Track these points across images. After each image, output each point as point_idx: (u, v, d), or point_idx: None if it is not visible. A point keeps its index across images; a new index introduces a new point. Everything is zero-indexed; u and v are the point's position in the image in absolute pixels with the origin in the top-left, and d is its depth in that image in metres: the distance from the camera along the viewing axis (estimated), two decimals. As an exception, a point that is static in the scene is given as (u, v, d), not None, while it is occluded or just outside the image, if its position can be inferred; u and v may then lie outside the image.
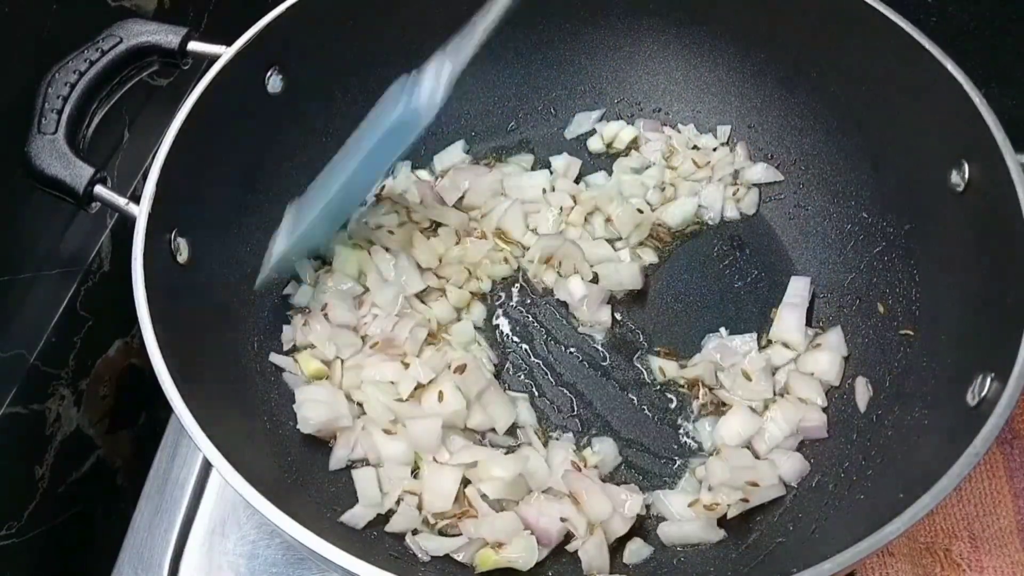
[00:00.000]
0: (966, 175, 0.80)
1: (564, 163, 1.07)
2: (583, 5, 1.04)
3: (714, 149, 1.06)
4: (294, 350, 0.92)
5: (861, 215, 0.96)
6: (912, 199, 0.89)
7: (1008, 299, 0.72)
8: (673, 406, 0.91)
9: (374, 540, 0.81)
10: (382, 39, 0.99)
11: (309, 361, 0.90)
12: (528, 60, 1.08)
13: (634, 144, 1.08)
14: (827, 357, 0.90)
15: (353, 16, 0.95)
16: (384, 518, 0.83)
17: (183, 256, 0.81)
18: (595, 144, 1.09)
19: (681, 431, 0.89)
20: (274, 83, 0.91)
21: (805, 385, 0.89)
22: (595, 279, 0.97)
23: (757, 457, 0.86)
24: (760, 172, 1.04)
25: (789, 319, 0.93)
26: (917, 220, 0.89)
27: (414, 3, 0.99)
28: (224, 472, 0.65)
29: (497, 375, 0.93)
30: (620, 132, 1.08)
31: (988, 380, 0.69)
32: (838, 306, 0.95)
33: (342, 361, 0.91)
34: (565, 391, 0.92)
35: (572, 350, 0.95)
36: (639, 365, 0.93)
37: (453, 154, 1.08)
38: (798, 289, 0.95)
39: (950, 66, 0.80)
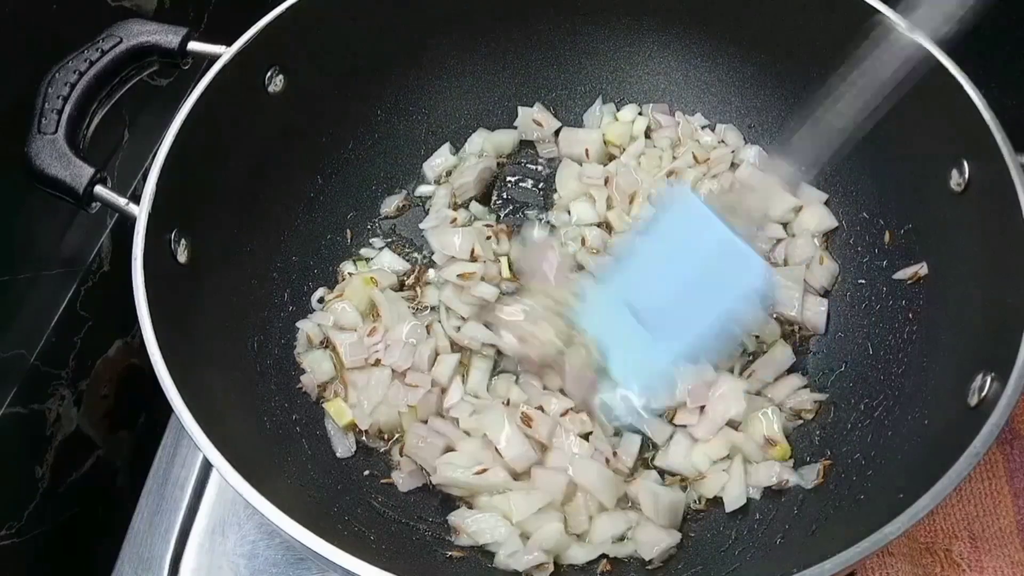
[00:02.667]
0: (966, 175, 0.80)
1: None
2: (583, 5, 1.04)
3: (714, 147, 1.06)
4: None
5: (861, 215, 0.96)
6: (912, 199, 0.89)
7: (1008, 299, 0.72)
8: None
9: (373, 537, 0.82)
10: (382, 38, 0.99)
11: (343, 412, 0.90)
12: (528, 60, 1.08)
13: (647, 132, 1.08)
14: (813, 210, 0.98)
15: (353, 15, 0.95)
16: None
17: (183, 256, 0.81)
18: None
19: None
20: (274, 83, 0.91)
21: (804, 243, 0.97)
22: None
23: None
24: (754, 154, 1.04)
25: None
26: (917, 220, 0.89)
27: (414, 2, 0.99)
28: (224, 472, 0.65)
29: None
30: (635, 121, 1.08)
31: (988, 380, 0.69)
32: (838, 305, 0.95)
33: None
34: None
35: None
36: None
37: (442, 157, 1.08)
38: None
39: (950, 66, 0.80)
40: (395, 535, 0.83)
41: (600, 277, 0.93)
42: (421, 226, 1.04)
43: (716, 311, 0.84)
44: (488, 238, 1.00)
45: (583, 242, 1.00)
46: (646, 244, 0.89)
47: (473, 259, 0.98)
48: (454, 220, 1.02)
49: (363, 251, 1.02)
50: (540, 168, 1.09)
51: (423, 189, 1.07)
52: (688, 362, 0.86)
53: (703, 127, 1.07)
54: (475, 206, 1.05)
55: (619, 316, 0.87)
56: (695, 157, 1.04)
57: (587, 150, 1.05)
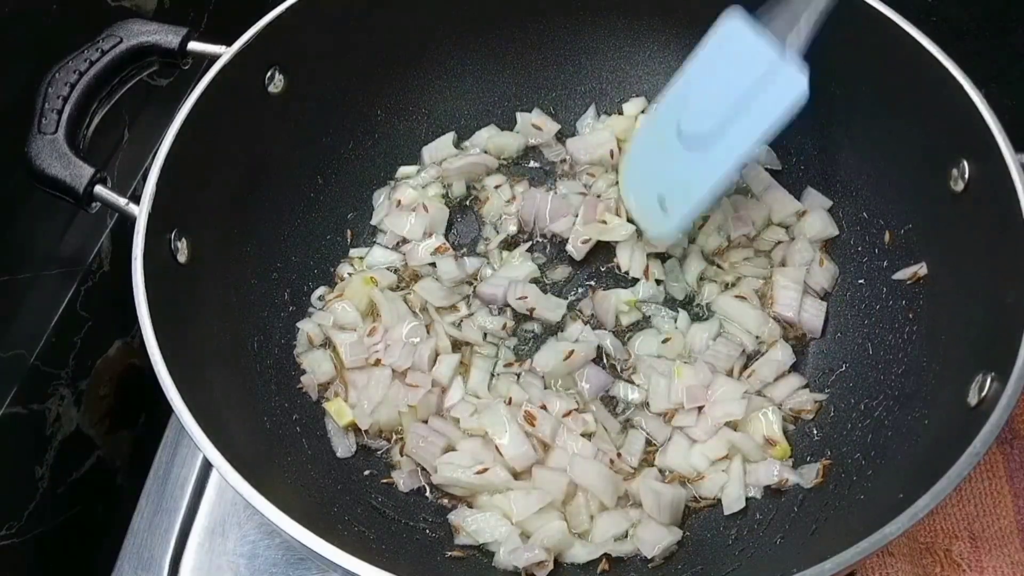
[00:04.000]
0: (966, 175, 0.80)
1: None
2: (583, 5, 1.04)
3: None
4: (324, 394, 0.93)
5: (861, 215, 0.96)
6: (912, 199, 0.89)
7: (1008, 299, 0.72)
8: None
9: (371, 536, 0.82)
10: (382, 38, 0.99)
11: (343, 412, 0.90)
12: (528, 60, 1.08)
13: None
14: (816, 217, 0.97)
15: (353, 16, 0.95)
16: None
17: (183, 256, 0.81)
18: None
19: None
20: (274, 83, 0.91)
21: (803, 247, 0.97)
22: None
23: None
24: (763, 154, 1.03)
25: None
26: (917, 220, 0.89)
27: (414, 2, 0.99)
28: (224, 472, 0.65)
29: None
30: (637, 118, 1.07)
31: (988, 380, 0.69)
32: (837, 305, 0.95)
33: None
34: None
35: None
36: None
37: (442, 145, 1.07)
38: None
39: (950, 66, 0.80)
40: (395, 535, 0.83)
41: (655, 106, 0.95)
42: (372, 222, 1.04)
43: (757, 130, 0.85)
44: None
45: None
46: (695, 69, 0.90)
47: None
48: (399, 203, 1.02)
49: (352, 252, 1.02)
50: (545, 166, 1.09)
51: (403, 170, 1.06)
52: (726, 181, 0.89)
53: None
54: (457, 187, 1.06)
55: (668, 140, 0.91)
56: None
57: (612, 151, 1.05)
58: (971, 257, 0.80)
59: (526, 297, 0.94)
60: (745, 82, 0.84)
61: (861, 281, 0.94)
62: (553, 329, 0.96)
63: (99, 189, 0.78)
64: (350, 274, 0.99)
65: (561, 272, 1.00)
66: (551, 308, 0.95)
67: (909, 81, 0.85)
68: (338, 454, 0.88)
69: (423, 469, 0.87)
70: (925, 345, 0.84)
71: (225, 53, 0.84)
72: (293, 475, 0.83)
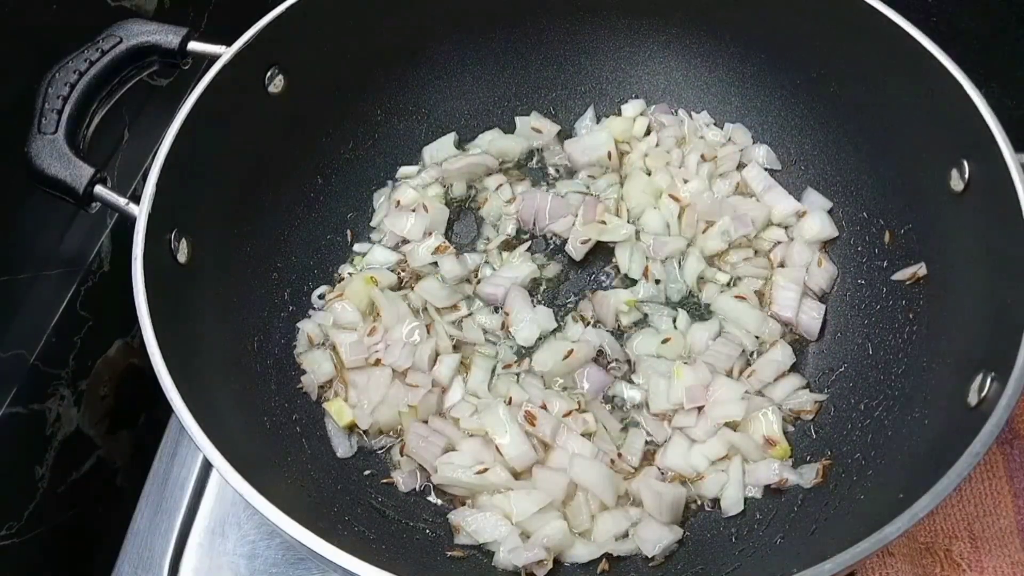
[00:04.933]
0: (966, 175, 0.80)
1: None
2: (583, 5, 1.04)
3: (721, 144, 1.05)
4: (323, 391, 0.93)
5: (861, 215, 0.96)
6: (912, 199, 0.89)
7: (1008, 299, 0.72)
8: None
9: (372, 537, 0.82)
10: (382, 38, 0.99)
11: (343, 412, 0.90)
12: (528, 60, 1.08)
13: (647, 132, 1.07)
14: (815, 217, 0.97)
15: (353, 16, 0.95)
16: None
17: (183, 256, 0.81)
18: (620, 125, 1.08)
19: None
20: (274, 83, 0.91)
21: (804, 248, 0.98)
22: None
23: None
24: (763, 154, 1.03)
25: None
26: (917, 220, 0.89)
27: (414, 2, 0.99)
28: (224, 472, 0.65)
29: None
30: (636, 121, 1.08)
31: (988, 380, 0.69)
32: (837, 305, 0.95)
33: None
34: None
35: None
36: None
37: (444, 146, 1.07)
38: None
39: (950, 66, 0.80)
40: (395, 535, 0.83)
41: None
42: (372, 222, 1.04)
43: None
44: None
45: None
46: None
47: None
48: (398, 203, 1.02)
49: (356, 247, 1.02)
50: (546, 167, 1.09)
51: (404, 170, 1.06)
52: None
53: (707, 124, 1.07)
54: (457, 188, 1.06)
55: None
56: (702, 156, 1.04)
57: (609, 153, 1.05)
58: (971, 257, 0.80)
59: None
60: None
61: (861, 281, 0.94)
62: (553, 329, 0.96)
63: (99, 189, 0.78)
64: (350, 274, 0.99)
65: (560, 272, 1.01)
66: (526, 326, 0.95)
67: (909, 81, 0.85)
68: (338, 454, 0.89)
69: (423, 469, 0.87)
70: (925, 345, 0.84)
71: (225, 53, 0.84)
72: (293, 475, 0.83)
